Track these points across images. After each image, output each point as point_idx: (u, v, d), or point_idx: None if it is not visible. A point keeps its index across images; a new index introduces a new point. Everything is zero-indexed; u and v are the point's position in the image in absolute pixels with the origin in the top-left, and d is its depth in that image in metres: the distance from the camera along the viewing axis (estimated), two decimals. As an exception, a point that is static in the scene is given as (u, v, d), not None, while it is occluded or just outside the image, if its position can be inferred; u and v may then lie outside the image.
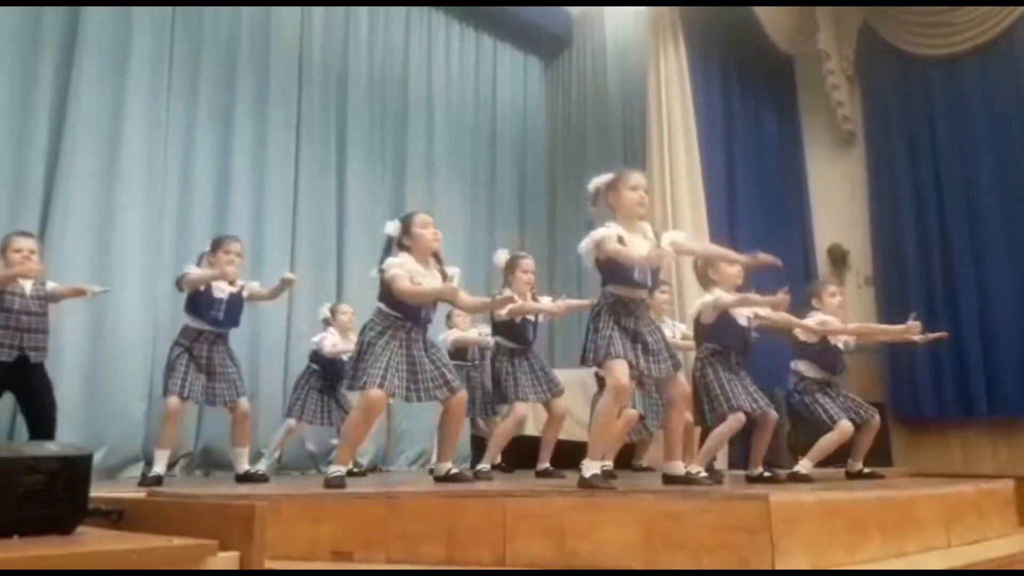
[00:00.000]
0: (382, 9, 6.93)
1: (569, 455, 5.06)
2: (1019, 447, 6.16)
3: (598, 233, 3.16)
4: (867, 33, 7.32)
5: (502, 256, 4.51)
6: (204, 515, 1.98)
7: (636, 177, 3.26)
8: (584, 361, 3.24)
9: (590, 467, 2.99)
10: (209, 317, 4.14)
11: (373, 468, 5.60)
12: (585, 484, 2.91)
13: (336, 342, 5.08)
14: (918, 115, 6.96)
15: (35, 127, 4.88)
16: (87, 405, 4.77)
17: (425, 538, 2.66)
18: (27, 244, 3.94)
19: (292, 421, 5.07)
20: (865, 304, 6.95)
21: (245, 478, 4.21)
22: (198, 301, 4.15)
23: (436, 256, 3.66)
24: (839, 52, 7.43)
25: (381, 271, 3.52)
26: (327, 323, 5.24)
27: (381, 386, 3.34)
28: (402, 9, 7.08)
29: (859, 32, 7.38)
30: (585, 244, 3.20)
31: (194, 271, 4.20)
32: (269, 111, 5.99)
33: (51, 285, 4.04)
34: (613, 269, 3.17)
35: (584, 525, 2.56)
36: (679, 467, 3.29)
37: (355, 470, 4.66)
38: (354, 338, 4.70)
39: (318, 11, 6.47)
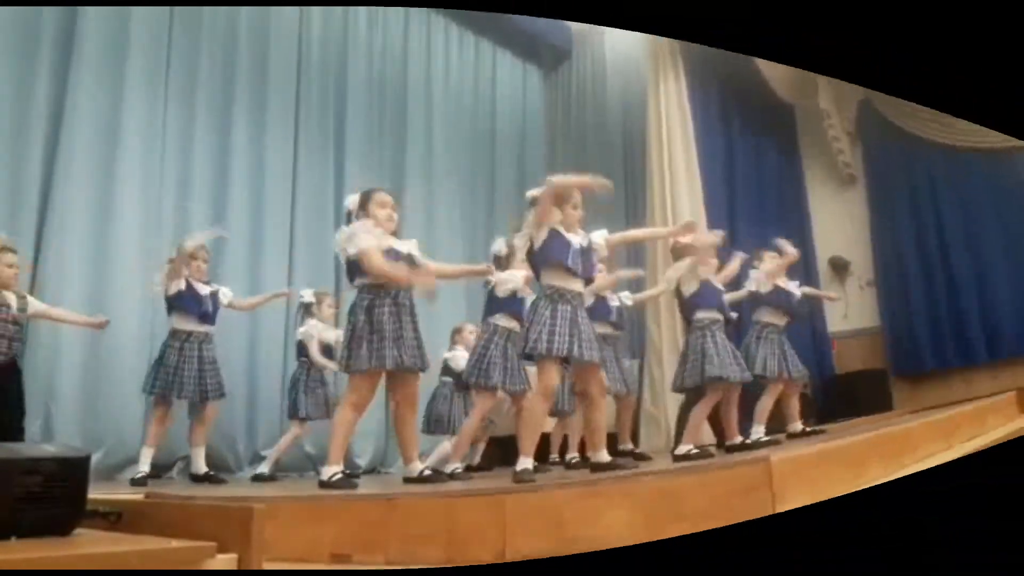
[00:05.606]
0: (381, 13, 6.90)
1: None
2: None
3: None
4: (867, 106, 7.24)
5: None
6: (202, 517, 1.97)
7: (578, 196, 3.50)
8: (525, 351, 3.30)
9: (524, 462, 3.23)
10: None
11: (372, 470, 5.58)
12: (519, 479, 3.15)
13: (311, 330, 4.89)
14: (919, 169, 6.92)
15: (32, 128, 4.86)
16: (85, 406, 4.75)
17: (424, 539, 2.65)
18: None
19: (296, 429, 4.99)
20: (867, 305, 6.96)
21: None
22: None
23: (394, 236, 3.56)
24: (840, 113, 7.31)
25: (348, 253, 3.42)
26: (307, 309, 5.00)
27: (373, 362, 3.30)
28: (401, 12, 7.06)
29: (859, 104, 7.30)
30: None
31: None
32: (267, 114, 5.98)
33: (39, 306, 4.09)
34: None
35: (585, 514, 2.55)
36: (604, 455, 3.37)
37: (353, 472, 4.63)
38: (338, 330, 4.69)
39: (317, 14, 6.46)
